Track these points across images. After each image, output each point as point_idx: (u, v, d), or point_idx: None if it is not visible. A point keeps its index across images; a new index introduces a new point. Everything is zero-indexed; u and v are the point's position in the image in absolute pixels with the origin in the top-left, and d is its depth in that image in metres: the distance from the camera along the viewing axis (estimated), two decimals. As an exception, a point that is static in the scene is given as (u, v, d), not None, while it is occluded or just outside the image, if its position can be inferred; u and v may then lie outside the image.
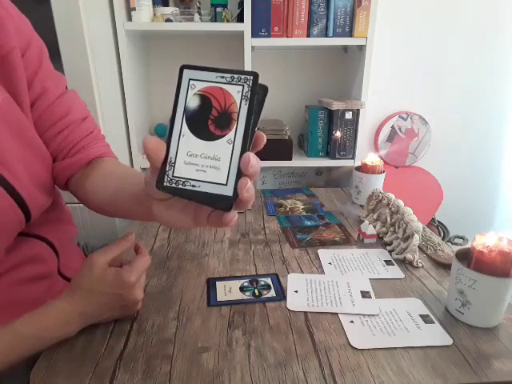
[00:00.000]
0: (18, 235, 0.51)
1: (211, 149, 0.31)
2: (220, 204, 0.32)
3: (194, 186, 0.31)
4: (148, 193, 0.36)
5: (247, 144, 0.30)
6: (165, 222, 0.38)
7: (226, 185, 0.31)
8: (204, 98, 0.31)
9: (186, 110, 0.31)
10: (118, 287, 0.49)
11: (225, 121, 0.31)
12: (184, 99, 0.31)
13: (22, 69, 0.49)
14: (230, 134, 0.30)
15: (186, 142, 0.31)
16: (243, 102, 0.30)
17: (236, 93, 0.30)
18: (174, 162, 0.31)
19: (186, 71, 0.31)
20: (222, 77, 0.30)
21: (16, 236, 0.51)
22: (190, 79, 0.31)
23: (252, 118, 0.30)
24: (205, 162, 0.31)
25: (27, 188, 0.49)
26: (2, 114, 0.46)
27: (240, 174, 0.31)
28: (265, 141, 0.32)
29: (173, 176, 0.31)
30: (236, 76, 0.30)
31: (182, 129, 0.31)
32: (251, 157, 0.30)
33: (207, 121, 0.31)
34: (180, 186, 0.31)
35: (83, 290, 0.48)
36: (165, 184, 0.31)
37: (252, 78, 0.30)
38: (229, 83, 0.30)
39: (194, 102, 0.31)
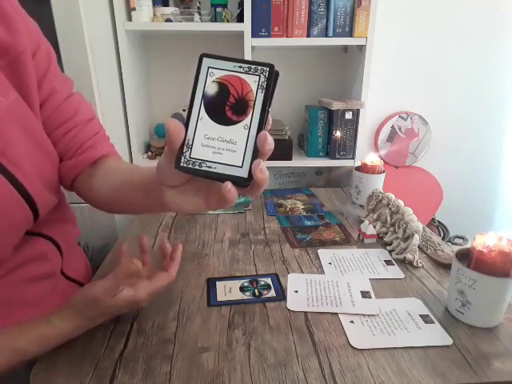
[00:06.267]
0: (25, 234, 0.52)
1: (228, 133, 0.33)
2: (236, 185, 0.34)
3: (210, 167, 0.33)
4: (160, 181, 0.37)
5: (262, 129, 0.32)
6: (177, 208, 0.38)
7: (241, 167, 0.32)
8: (222, 86, 0.32)
9: (204, 95, 0.32)
10: (128, 308, 0.50)
11: (241, 107, 0.32)
12: (202, 86, 0.32)
13: (32, 70, 0.50)
14: (247, 120, 0.32)
15: (204, 126, 0.33)
16: (259, 91, 0.32)
17: (253, 82, 0.32)
18: (192, 144, 0.33)
19: (205, 59, 0.32)
20: (240, 67, 0.32)
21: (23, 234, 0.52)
22: (208, 67, 0.32)
23: (267, 105, 0.32)
24: (221, 145, 0.33)
25: (36, 186, 0.49)
26: (14, 114, 0.47)
27: (255, 157, 0.32)
28: (271, 123, 0.34)
29: (190, 157, 0.33)
30: (253, 66, 0.32)
31: (199, 113, 0.33)
32: (268, 135, 0.32)
33: (225, 107, 0.32)
34: (196, 167, 0.33)
35: (91, 318, 0.49)
36: (181, 164, 0.33)
37: (268, 69, 0.32)
38: (246, 73, 0.32)
39: (212, 89, 0.32)
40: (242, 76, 0.32)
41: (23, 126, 0.48)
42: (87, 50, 0.99)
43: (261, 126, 0.32)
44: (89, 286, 0.47)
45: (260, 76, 0.32)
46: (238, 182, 0.33)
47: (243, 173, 0.33)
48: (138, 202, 0.49)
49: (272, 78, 0.32)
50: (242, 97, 0.32)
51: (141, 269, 0.47)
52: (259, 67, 0.32)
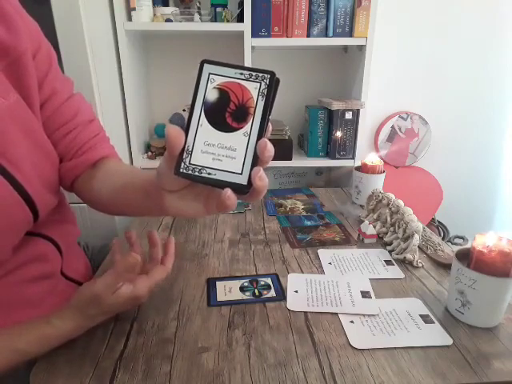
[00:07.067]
0: (25, 234, 0.52)
1: (228, 140, 0.33)
2: (235, 191, 0.34)
3: (209, 173, 0.33)
4: (159, 185, 0.37)
5: (262, 137, 0.33)
6: (177, 213, 0.38)
7: (241, 174, 0.33)
8: (223, 92, 0.32)
9: (204, 102, 0.33)
10: (128, 304, 0.50)
11: (242, 114, 0.32)
12: (203, 92, 0.32)
13: (33, 71, 0.50)
14: (247, 127, 0.32)
15: (204, 132, 0.33)
16: (260, 98, 0.32)
17: (253, 89, 0.32)
18: (192, 151, 0.33)
19: (206, 65, 0.32)
20: (241, 73, 0.32)
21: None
22: (209, 73, 0.32)
23: (268, 113, 0.32)
24: (221, 152, 0.33)
25: (36, 187, 0.49)
26: (14, 115, 0.47)
27: (254, 164, 0.32)
28: (271, 130, 0.34)
29: (189, 163, 0.33)
30: (254, 73, 0.32)
31: (200, 119, 0.33)
32: (268, 142, 0.32)
33: (225, 113, 0.33)
34: (196, 173, 0.33)
35: (92, 317, 0.49)
36: (181, 170, 0.33)
37: (269, 76, 0.32)
38: (247, 80, 0.32)
39: (212, 95, 0.32)
40: (243, 83, 0.32)
41: (23, 126, 0.48)
42: (87, 50, 0.99)
43: (261, 133, 0.32)
44: (88, 285, 0.47)
45: (261, 83, 0.32)
46: (237, 188, 0.33)
47: (243, 180, 0.33)
48: (138, 204, 0.49)
49: (273, 85, 0.32)
50: (242, 104, 0.32)
51: (140, 261, 0.46)
52: (260, 74, 0.32)
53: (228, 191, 0.32)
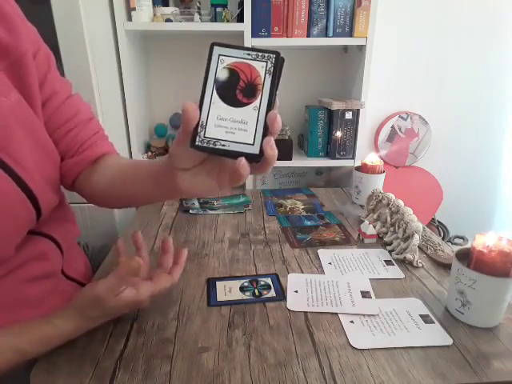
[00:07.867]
0: (26, 233, 0.52)
1: (239, 114, 0.35)
2: (248, 161, 0.36)
3: (223, 145, 0.35)
4: (173, 164, 0.39)
5: (271, 110, 0.35)
6: (190, 191, 0.40)
7: (252, 144, 0.35)
8: (232, 71, 0.35)
9: (216, 80, 0.35)
10: (129, 308, 0.50)
11: (251, 91, 0.35)
12: (214, 71, 0.35)
13: (34, 71, 0.50)
14: (256, 102, 0.35)
15: (216, 108, 0.35)
16: (267, 75, 0.35)
17: (261, 68, 0.35)
18: (206, 125, 0.35)
19: (215, 48, 0.35)
20: (249, 54, 0.35)
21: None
22: (219, 55, 0.35)
23: (275, 88, 0.35)
24: (233, 125, 0.35)
25: (39, 185, 0.50)
26: (16, 114, 0.47)
27: (265, 135, 0.35)
28: (278, 104, 0.36)
29: (204, 136, 0.35)
30: (260, 54, 0.35)
31: (212, 97, 0.35)
32: (277, 114, 0.35)
33: (235, 90, 0.35)
34: (211, 146, 0.35)
35: (93, 319, 0.49)
36: (197, 143, 0.35)
37: (275, 56, 0.35)
38: (254, 59, 0.35)
39: (223, 74, 0.35)
40: (251, 62, 0.35)
41: (25, 126, 0.49)
42: (87, 49, 0.99)
43: (269, 106, 0.35)
44: (90, 286, 0.47)
45: (267, 62, 0.35)
46: (250, 158, 0.35)
47: (255, 150, 0.35)
48: (146, 192, 0.50)
49: (278, 63, 0.35)
50: (251, 81, 0.35)
51: (142, 265, 0.46)
52: (266, 54, 0.35)
53: (242, 160, 0.35)
